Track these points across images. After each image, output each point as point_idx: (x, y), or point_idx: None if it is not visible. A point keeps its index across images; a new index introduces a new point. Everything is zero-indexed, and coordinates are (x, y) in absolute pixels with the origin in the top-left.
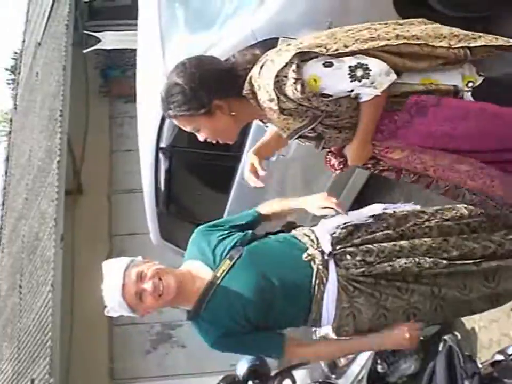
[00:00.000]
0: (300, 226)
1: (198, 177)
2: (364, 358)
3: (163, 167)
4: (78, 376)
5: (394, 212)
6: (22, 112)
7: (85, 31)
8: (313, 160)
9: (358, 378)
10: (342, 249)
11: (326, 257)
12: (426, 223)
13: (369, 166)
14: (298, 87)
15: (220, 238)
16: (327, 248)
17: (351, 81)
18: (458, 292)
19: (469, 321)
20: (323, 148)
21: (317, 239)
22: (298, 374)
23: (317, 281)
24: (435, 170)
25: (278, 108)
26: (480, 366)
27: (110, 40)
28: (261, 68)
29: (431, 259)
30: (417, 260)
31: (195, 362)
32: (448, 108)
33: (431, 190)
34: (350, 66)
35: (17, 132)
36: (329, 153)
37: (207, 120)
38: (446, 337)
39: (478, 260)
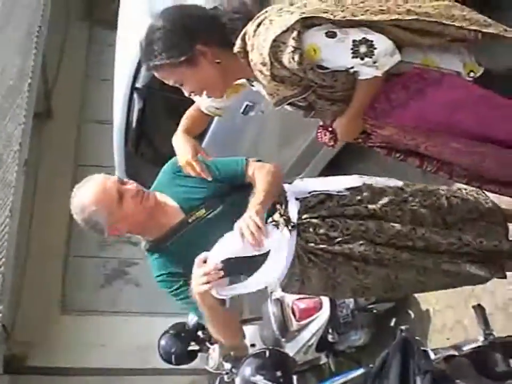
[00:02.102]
0: None
1: (172, 121)
2: (316, 326)
3: (136, 106)
4: (29, 304)
5: (372, 184)
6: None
7: None
8: (292, 120)
9: (308, 344)
10: (308, 220)
11: (289, 228)
12: (402, 205)
13: (360, 140)
14: (296, 57)
15: (200, 181)
16: (293, 217)
17: (353, 57)
18: (415, 277)
19: (425, 303)
20: (311, 117)
21: (286, 201)
22: (248, 329)
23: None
24: (427, 147)
25: (270, 73)
26: (433, 356)
27: None
28: (258, 26)
29: (392, 251)
30: (377, 249)
31: (147, 302)
32: (450, 88)
33: (423, 169)
34: (354, 41)
35: None
36: (320, 128)
37: (190, 69)
38: (403, 327)
39: (439, 259)
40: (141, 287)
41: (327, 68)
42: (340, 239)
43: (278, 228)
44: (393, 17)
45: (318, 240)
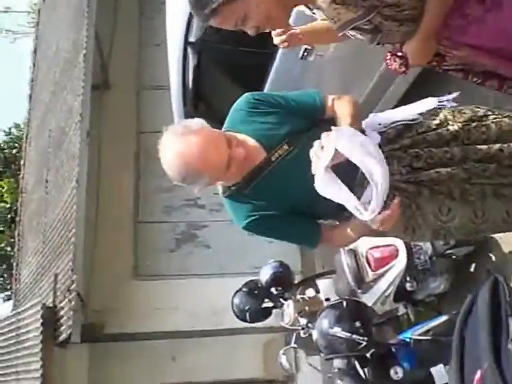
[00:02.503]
0: None
1: (229, 75)
2: (392, 275)
3: (191, 63)
4: (102, 272)
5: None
6: (50, 3)
7: None
8: (353, 63)
9: (385, 295)
10: (390, 151)
11: None
12: (484, 120)
13: (434, 64)
14: None
15: (278, 115)
16: None
17: None
18: (502, 219)
19: (507, 245)
20: (378, 44)
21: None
22: (322, 283)
23: (357, 183)
24: (507, 67)
25: None
26: None
27: None
28: None
29: (480, 163)
30: (464, 166)
31: (218, 263)
32: None
33: (503, 92)
34: None
35: (45, 23)
36: (389, 54)
37: (248, 1)
38: (490, 268)
39: None
40: (211, 249)
41: None
42: (425, 167)
43: None
44: None
45: (404, 172)
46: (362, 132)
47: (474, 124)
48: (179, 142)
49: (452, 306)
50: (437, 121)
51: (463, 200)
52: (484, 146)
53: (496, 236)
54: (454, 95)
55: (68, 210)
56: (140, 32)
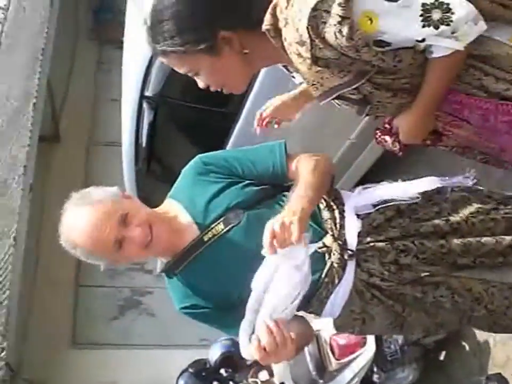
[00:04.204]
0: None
1: (186, 135)
2: (359, 365)
3: (146, 119)
4: (37, 338)
5: (452, 190)
6: (5, 50)
7: None
8: (321, 130)
9: None
10: (372, 243)
11: (346, 257)
12: (493, 213)
13: (428, 142)
14: (345, 30)
15: (221, 187)
16: (351, 243)
17: (424, 26)
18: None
19: (483, 333)
20: (367, 115)
21: (342, 219)
22: (277, 366)
23: (326, 280)
24: None
25: (310, 55)
26: None
27: None
28: None
29: (484, 286)
30: (465, 282)
31: (163, 333)
32: None
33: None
34: (424, 4)
35: None
36: (378, 131)
37: (209, 59)
38: (490, 374)
39: None
40: (156, 318)
41: (388, 44)
42: (415, 264)
43: (328, 257)
44: None
45: (385, 273)
46: (341, 211)
47: (481, 217)
48: (71, 214)
49: None
50: (436, 209)
51: (458, 295)
52: (489, 238)
53: None
54: (464, 177)
55: (2, 271)
56: (95, 84)
